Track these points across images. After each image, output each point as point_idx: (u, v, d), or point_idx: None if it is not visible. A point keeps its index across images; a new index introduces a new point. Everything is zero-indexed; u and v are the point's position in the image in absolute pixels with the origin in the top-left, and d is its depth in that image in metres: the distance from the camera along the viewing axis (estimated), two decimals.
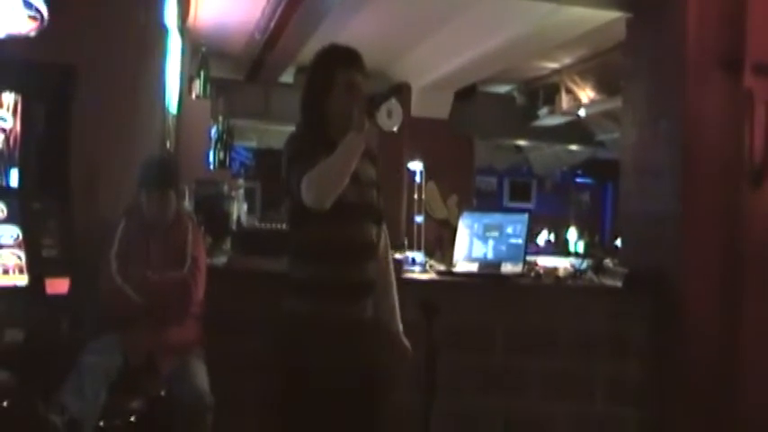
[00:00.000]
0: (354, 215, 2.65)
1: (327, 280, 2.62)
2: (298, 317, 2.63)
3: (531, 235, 9.91)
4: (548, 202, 11.54)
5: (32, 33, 3.44)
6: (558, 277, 4.12)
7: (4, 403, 2.78)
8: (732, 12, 3.80)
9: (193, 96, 5.70)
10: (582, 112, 8.23)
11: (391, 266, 2.89)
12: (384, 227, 2.83)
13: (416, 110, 7.88)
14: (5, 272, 3.17)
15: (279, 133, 9.49)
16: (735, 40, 3.79)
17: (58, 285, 3.29)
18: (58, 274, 3.30)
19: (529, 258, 4.25)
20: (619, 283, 3.94)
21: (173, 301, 3.28)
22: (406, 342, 2.85)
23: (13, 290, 3.16)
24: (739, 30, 3.77)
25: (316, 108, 2.69)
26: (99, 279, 3.26)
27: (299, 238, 2.68)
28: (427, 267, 4.19)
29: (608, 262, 4.33)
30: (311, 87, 2.73)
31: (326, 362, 2.58)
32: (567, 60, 7.66)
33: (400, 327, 2.85)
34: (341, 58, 2.70)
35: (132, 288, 3.22)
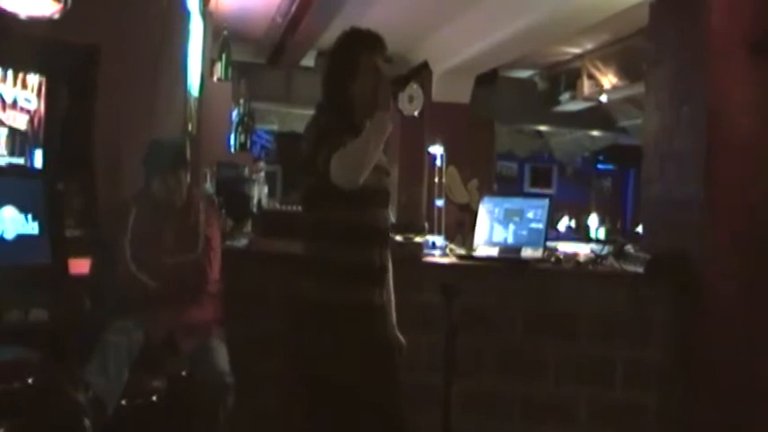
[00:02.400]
0: (373, 199, 2.64)
1: (348, 263, 2.61)
2: (314, 300, 2.62)
3: (552, 221, 9.92)
4: (569, 188, 11.48)
5: (56, 15, 3.46)
6: (578, 262, 4.10)
7: (30, 381, 2.82)
8: None
9: (215, 79, 5.72)
10: (604, 98, 8.17)
11: (390, 256, 2.84)
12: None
13: (437, 94, 7.86)
14: None
15: (300, 117, 9.50)
16: (760, 23, 3.75)
17: (82, 265, 3.33)
18: (81, 253, 3.34)
19: (549, 244, 4.24)
20: (640, 269, 3.92)
21: (188, 282, 3.30)
22: (400, 337, 2.84)
23: (38, 269, 3.20)
24: (764, 12, 3.72)
25: (339, 92, 2.67)
26: (114, 266, 3.28)
27: (320, 220, 2.65)
28: (447, 251, 4.19)
29: (629, 248, 4.31)
30: (334, 72, 2.69)
31: (344, 346, 2.58)
32: (589, 45, 7.61)
33: (395, 319, 2.85)
34: (363, 43, 2.69)
35: (147, 273, 3.25)
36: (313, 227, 2.67)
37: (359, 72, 2.63)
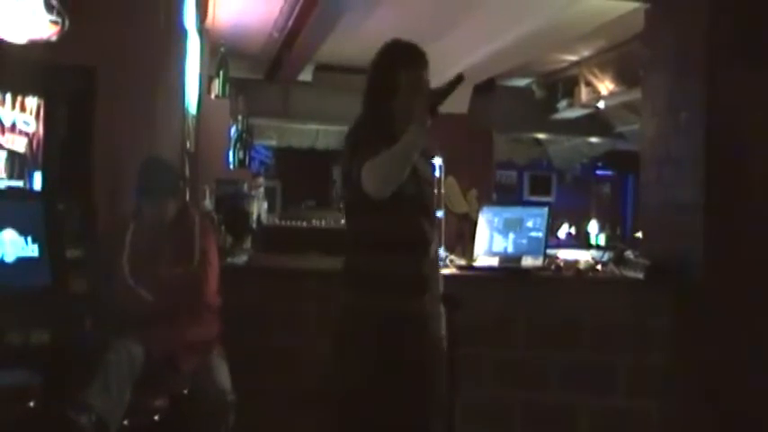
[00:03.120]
0: (412, 209, 2.62)
1: (384, 272, 2.58)
2: (353, 309, 2.61)
3: (552, 228, 9.90)
4: (568, 196, 11.47)
5: (54, 37, 3.48)
6: (578, 270, 4.11)
7: (31, 403, 2.81)
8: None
9: (213, 96, 5.74)
10: (601, 104, 8.19)
11: (440, 270, 2.84)
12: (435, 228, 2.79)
13: None
14: None
15: (298, 132, 9.53)
16: (755, 28, 3.76)
17: (82, 285, 3.33)
18: (81, 274, 3.34)
19: (549, 252, 4.24)
20: (640, 275, 3.92)
21: (186, 296, 3.30)
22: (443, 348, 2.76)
23: (38, 291, 3.20)
24: (760, 17, 3.74)
25: (379, 106, 2.66)
26: (113, 283, 3.28)
27: (357, 228, 2.66)
28: (448, 262, 4.19)
29: (629, 254, 4.31)
30: (375, 86, 2.69)
31: (381, 355, 2.55)
32: (586, 52, 7.63)
33: (444, 332, 2.78)
34: (405, 59, 2.67)
35: (146, 289, 3.25)
36: (351, 237, 2.68)
37: (400, 88, 2.62)
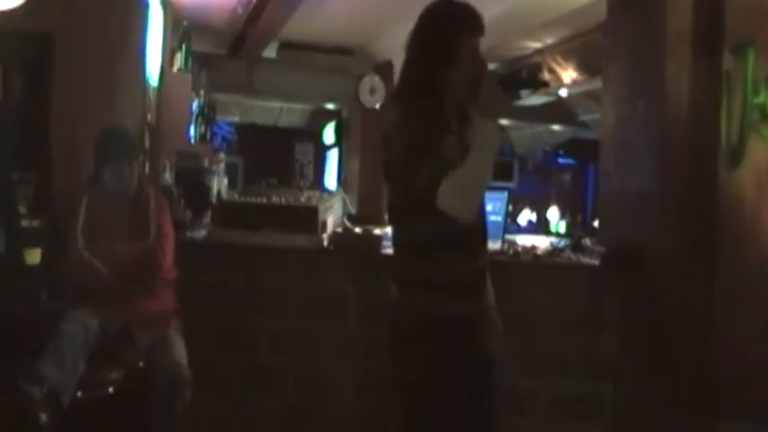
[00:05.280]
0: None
1: (450, 274, 2.35)
2: (420, 311, 2.37)
3: (513, 214, 9.99)
4: (530, 182, 11.58)
5: (13, 4, 3.40)
6: (536, 255, 4.15)
7: None
8: None
9: (175, 69, 5.67)
10: (564, 92, 8.25)
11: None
12: None
13: None
14: None
15: (261, 108, 9.47)
16: (713, 22, 3.81)
17: (37, 256, 3.29)
18: (36, 244, 3.30)
19: (509, 237, 4.27)
20: (596, 262, 3.98)
21: (142, 270, 3.27)
22: (497, 318, 2.61)
23: None
24: (717, 11, 3.79)
25: (432, 79, 2.26)
26: (67, 255, 3.24)
27: (418, 232, 2.32)
28: None
29: (586, 241, 4.36)
30: (428, 54, 2.27)
31: (456, 353, 2.37)
32: (550, 40, 7.66)
33: (493, 300, 2.60)
34: (467, 23, 2.30)
35: (100, 261, 3.21)
36: (409, 240, 2.40)
37: (459, 58, 2.24)
